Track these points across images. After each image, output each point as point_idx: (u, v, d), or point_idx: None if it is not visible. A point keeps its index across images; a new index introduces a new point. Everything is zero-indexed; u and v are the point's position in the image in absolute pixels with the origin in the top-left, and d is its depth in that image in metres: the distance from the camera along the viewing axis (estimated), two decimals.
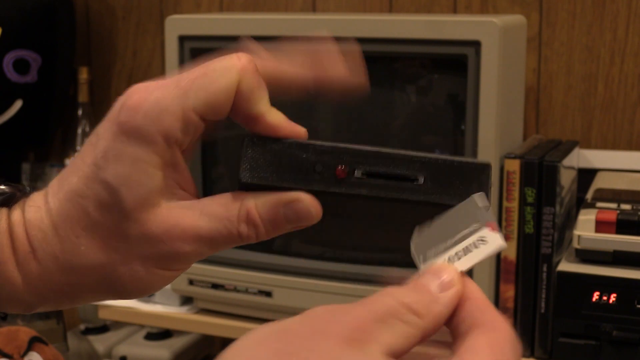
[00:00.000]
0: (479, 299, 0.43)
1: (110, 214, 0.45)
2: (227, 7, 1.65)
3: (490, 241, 0.45)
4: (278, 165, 0.46)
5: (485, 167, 0.47)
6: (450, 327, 0.44)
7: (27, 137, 1.73)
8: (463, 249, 0.45)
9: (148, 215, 0.45)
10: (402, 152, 0.46)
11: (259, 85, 0.46)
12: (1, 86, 1.64)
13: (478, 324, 0.42)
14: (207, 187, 1.25)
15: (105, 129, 0.46)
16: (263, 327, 0.39)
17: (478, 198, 0.47)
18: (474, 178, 0.47)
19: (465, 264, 0.45)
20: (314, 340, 0.38)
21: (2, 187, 0.49)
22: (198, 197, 0.48)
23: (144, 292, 0.48)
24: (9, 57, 1.64)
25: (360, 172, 0.46)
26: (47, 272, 0.47)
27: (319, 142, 0.46)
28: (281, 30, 1.15)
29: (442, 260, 0.45)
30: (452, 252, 0.45)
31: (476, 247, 0.45)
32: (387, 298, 0.41)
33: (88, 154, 0.46)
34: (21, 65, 1.65)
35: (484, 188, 0.47)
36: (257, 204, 0.46)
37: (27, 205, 0.48)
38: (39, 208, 0.47)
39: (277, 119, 0.46)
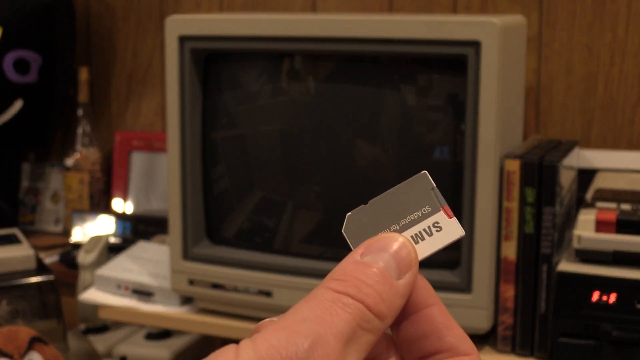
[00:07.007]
0: (434, 303, 0.37)
1: None
2: (227, 7, 1.65)
3: (446, 229, 0.39)
4: None
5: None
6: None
7: (27, 137, 1.73)
8: (414, 235, 0.39)
9: None
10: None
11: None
12: (1, 86, 1.64)
13: (456, 352, 0.36)
14: (207, 187, 1.25)
15: None
16: None
17: (423, 177, 0.40)
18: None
19: (420, 252, 0.39)
20: None
21: None
22: None
23: None
24: (9, 57, 1.64)
25: None
26: None
27: None
28: (281, 30, 1.15)
29: None
30: None
31: (430, 234, 0.39)
32: (350, 306, 0.34)
33: None
34: (21, 65, 1.65)
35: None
36: None
37: None
38: None
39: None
